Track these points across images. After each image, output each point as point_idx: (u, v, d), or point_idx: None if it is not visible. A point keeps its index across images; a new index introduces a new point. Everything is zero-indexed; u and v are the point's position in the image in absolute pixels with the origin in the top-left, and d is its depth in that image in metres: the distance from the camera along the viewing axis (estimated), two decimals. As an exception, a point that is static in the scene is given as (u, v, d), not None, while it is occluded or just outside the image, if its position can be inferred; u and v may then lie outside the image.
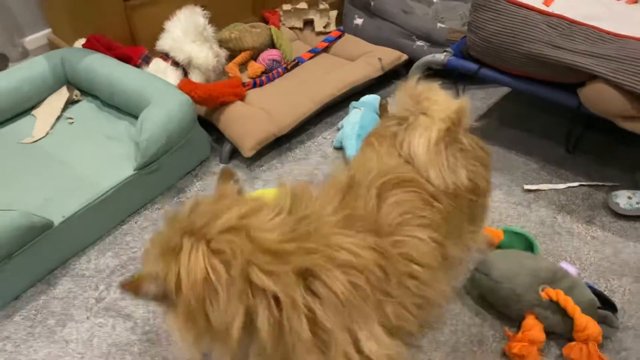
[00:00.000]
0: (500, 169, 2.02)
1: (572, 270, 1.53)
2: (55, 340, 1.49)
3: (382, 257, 0.95)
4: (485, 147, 1.27)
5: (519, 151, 2.10)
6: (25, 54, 2.61)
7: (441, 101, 1.20)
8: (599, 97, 1.64)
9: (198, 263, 0.87)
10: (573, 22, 1.72)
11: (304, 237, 0.89)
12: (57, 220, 1.62)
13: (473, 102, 2.38)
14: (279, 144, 2.14)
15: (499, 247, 1.66)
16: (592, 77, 1.64)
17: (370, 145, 1.26)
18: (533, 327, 1.40)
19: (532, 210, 1.85)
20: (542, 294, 1.41)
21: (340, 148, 2.14)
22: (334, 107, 2.30)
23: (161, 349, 1.46)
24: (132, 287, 0.93)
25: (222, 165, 2.07)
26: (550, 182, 1.95)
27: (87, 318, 1.54)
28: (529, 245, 1.64)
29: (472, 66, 1.93)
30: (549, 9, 1.75)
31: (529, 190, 1.92)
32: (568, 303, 1.38)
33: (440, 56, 1.99)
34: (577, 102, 1.74)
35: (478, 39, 1.85)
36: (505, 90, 2.45)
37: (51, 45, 2.63)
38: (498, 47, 1.80)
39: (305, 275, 0.88)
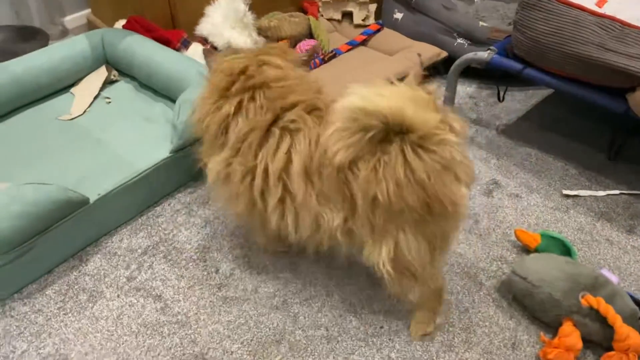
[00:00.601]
0: (538, 172, 1.98)
1: (613, 278, 1.49)
2: (85, 316, 1.50)
3: None
4: None
5: (558, 155, 2.05)
6: (64, 33, 2.64)
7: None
8: (650, 103, 1.59)
9: None
10: (626, 24, 1.67)
11: None
12: (92, 197, 1.62)
13: (512, 103, 2.34)
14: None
15: (536, 250, 1.62)
16: (643, 82, 1.59)
17: None
18: (570, 334, 1.36)
19: (570, 216, 1.80)
20: (582, 301, 1.37)
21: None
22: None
23: (190, 331, 1.45)
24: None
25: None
26: (590, 189, 1.90)
27: (118, 296, 1.55)
28: (566, 251, 1.60)
29: (517, 66, 1.89)
30: (602, 10, 1.70)
31: (568, 196, 1.88)
32: (609, 311, 1.34)
33: (483, 54, 1.96)
34: (624, 107, 1.69)
35: (525, 38, 1.81)
36: (545, 92, 2.40)
37: (90, 25, 2.65)
38: (545, 47, 1.76)
39: None
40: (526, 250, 1.67)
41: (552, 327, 1.44)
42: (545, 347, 1.38)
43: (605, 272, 1.50)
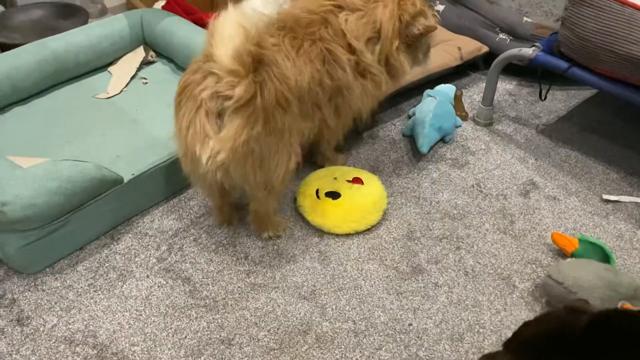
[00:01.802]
0: (577, 175, 1.92)
1: None
2: (115, 294, 1.51)
3: None
4: None
5: (599, 159, 1.99)
6: (104, 12, 2.65)
7: None
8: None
9: None
10: (682, 26, 1.60)
11: None
12: (126, 177, 1.63)
13: (553, 102, 2.27)
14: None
15: (573, 255, 1.58)
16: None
17: None
18: None
19: (609, 222, 1.74)
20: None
21: (409, 136, 2.07)
22: (406, 95, 2.23)
23: (218, 316, 1.45)
24: None
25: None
26: (632, 195, 1.84)
27: (147, 277, 1.55)
28: (605, 258, 1.55)
29: (562, 64, 1.82)
30: (657, 10, 1.63)
31: (608, 201, 1.82)
32: None
33: (528, 50, 1.90)
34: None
35: (573, 35, 1.75)
36: (587, 93, 2.32)
37: (128, 6, 2.66)
38: (595, 46, 1.69)
39: None
40: (562, 254, 1.62)
41: (587, 336, 1.40)
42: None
43: None
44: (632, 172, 1.93)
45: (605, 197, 1.82)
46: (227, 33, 1.24)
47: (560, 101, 2.28)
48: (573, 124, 2.16)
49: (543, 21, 2.44)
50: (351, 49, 1.56)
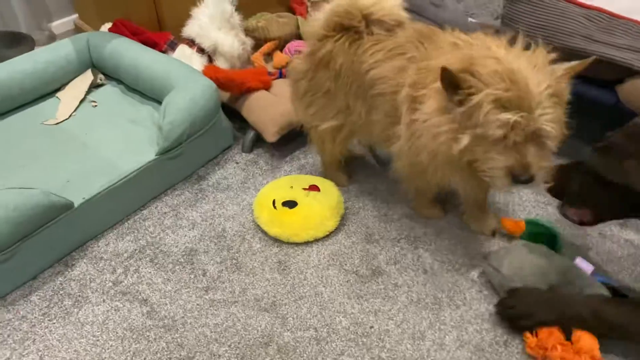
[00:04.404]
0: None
1: (587, 268, 1.47)
2: (70, 321, 1.47)
3: None
4: None
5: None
6: (52, 38, 2.62)
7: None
8: (639, 94, 1.57)
9: None
10: (613, 15, 1.65)
11: None
12: (77, 201, 1.60)
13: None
14: (302, 135, 2.10)
15: (521, 238, 1.60)
16: (632, 72, 1.57)
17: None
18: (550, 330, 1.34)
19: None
20: None
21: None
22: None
23: (177, 335, 1.43)
24: None
25: (243, 154, 2.03)
26: (582, 183, 1.88)
27: (103, 301, 1.52)
28: (552, 238, 1.57)
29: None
30: (588, 2, 1.68)
31: (560, 190, 1.85)
32: None
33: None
34: (614, 99, 1.67)
35: (512, 32, 1.79)
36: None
37: (77, 30, 2.63)
38: (533, 40, 1.73)
39: None
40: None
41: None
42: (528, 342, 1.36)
43: (579, 262, 1.48)
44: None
45: (556, 187, 1.86)
46: None
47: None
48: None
49: (489, 20, 2.49)
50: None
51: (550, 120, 1.21)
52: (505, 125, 1.18)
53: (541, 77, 1.21)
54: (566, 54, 1.67)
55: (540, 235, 1.58)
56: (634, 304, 1.30)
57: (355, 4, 1.45)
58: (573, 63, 1.27)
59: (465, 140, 1.25)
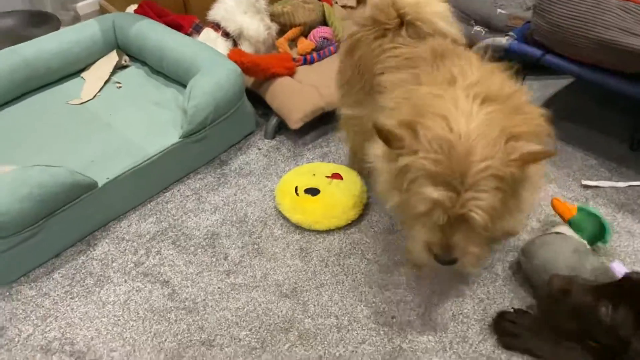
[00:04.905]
0: (556, 163, 1.92)
1: (622, 272, 1.43)
2: (92, 300, 1.48)
3: None
4: None
5: (577, 146, 1.99)
6: (77, 19, 2.63)
7: None
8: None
9: None
10: (652, 8, 1.60)
11: None
12: (101, 181, 1.60)
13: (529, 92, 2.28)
14: (325, 122, 2.08)
15: (569, 222, 1.56)
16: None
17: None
18: None
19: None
20: None
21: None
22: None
23: (198, 318, 1.43)
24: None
25: (266, 141, 2.02)
26: (610, 180, 1.84)
27: (125, 281, 1.52)
28: (600, 229, 1.53)
29: (536, 51, 1.83)
30: (626, -6, 1.64)
31: (587, 187, 1.82)
32: None
33: (501, 40, 1.90)
34: (649, 94, 1.63)
35: (544, 22, 1.75)
36: (563, 82, 2.33)
37: (102, 11, 2.63)
38: (566, 31, 1.70)
39: None
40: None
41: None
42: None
43: (616, 266, 1.44)
44: (610, 158, 1.94)
45: (584, 182, 1.83)
46: None
47: (537, 91, 2.29)
48: (550, 113, 2.16)
49: (518, 12, 2.45)
50: None
51: (482, 207, 1.02)
52: (428, 201, 1.03)
53: (488, 153, 1.01)
54: (601, 46, 1.64)
55: (589, 223, 1.54)
56: None
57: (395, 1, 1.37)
58: (536, 148, 1.03)
59: (395, 198, 1.12)
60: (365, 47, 1.43)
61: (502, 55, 1.95)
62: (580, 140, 2.02)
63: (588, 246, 1.47)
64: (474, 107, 1.08)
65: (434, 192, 1.01)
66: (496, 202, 1.03)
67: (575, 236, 1.47)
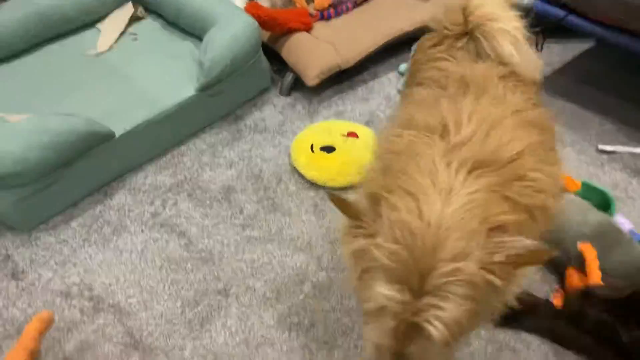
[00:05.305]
0: (573, 126, 1.91)
1: (626, 225, 1.44)
2: (110, 248, 1.50)
3: None
4: None
5: (595, 110, 1.97)
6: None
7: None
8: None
9: None
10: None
11: None
12: (118, 132, 1.60)
13: (549, 56, 2.24)
14: (340, 80, 2.07)
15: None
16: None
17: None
18: (572, 275, 1.36)
19: (605, 172, 1.74)
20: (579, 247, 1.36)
21: (404, 90, 2.05)
22: (401, 49, 2.19)
23: (214, 268, 1.45)
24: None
25: (281, 97, 2.01)
26: (627, 145, 1.83)
27: (142, 231, 1.55)
28: (605, 202, 1.54)
29: (559, 12, 1.79)
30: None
31: (603, 151, 1.81)
32: (591, 266, 1.33)
33: (524, 0, 1.86)
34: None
35: (586, 7, 1.71)
36: (584, 46, 2.29)
37: (116, -37, 2.58)
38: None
39: None
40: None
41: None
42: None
43: (620, 218, 1.45)
44: (627, 123, 1.92)
45: (600, 147, 1.82)
46: None
47: (557, 54, 2.25)
48: (569, 77, 2.14)
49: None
50: None
51: (441, 319, 0.77)
52: (376, 299, 0.81)
53: (461, 250, 0.77)
54: (627, 6, 1.60)
55: (594, 197, 1.55)
56: None
57: (468, 4, 1.17)
58: (528, 246, 0.78)
59: (353, 280, 0.91)
60: (421, 53, 1.25)
61: (524, 16, 1.93)
62: (598, 104, 2.00)
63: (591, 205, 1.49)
64: (457, 182, 0.84)
65: (385, 291, 0.79)
66: (462, 314, 0.78)
67: (578, 198, 1.48)
